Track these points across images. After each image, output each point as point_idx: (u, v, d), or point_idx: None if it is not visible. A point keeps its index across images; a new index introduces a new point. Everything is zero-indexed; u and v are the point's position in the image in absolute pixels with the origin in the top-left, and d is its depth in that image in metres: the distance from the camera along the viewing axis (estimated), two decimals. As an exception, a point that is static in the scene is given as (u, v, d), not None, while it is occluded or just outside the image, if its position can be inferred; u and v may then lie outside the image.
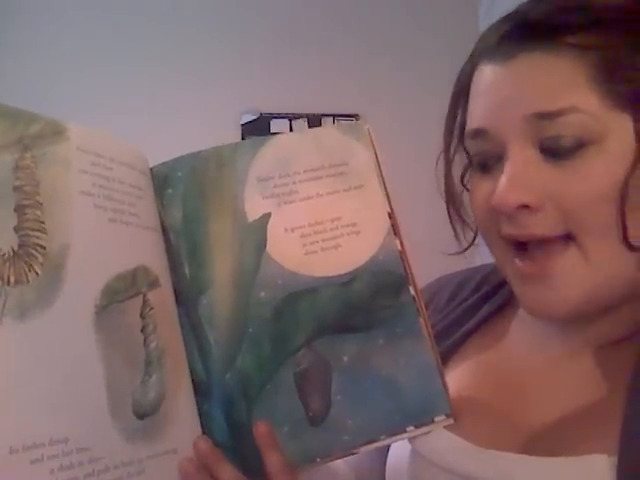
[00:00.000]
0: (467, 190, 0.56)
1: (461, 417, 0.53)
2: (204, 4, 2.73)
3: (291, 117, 2.71)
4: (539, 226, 0.47)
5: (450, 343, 0.60)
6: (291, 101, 2.69)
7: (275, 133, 0.55)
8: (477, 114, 0.50)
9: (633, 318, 0.50)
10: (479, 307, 0.62)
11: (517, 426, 0.51)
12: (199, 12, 2.72)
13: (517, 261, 0.49)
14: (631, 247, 0.46)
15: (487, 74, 0.50)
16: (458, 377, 0.57)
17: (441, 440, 0.53)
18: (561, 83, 0.46)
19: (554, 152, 0.46)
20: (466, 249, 0.59)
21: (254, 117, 2.72)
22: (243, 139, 2.69)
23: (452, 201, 0.58)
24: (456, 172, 0.58)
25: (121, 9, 2.72)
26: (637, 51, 0.45)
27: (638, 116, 0.45)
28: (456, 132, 0.56)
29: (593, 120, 0.45)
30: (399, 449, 0.58)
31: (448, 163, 0.57)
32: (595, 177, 0.45)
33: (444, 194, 0.58)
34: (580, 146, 0.45)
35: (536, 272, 0.48)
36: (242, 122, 2.72)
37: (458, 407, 0.53)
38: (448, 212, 0.59)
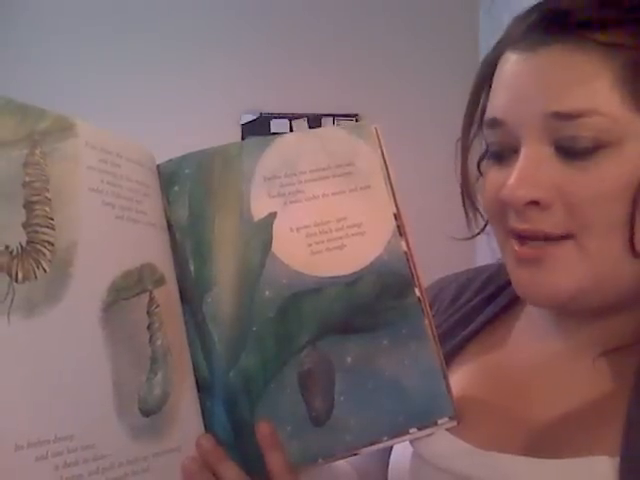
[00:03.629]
0: (482, 176, 0.56)
1: (463, 418, 0.52)
2: (204, 4, 2.73)
3: (291, 117, 2.71)
4: (545, 223, 0.47)
5: (454, 344, 0.60)
6: (291, 101, 2.70)
7: (275, 133, 0.55)
8: (497, 104, 0.50)
9: (637, 325, 0.50)
10: (483, 308, 0.62)
11: (519, 427, 0.51)
12: (199, 12, 2.73)
13: (516, 246, 0.49)
14: (635, 253, 0.45)
15: (511, 64, 0.49)
16: (461, 378, 0.57)
17: (442, 442, 0.52)
18: (584, 83, 0.45)
19: (569, 152, 0.46)
20: (476, 235, 0.59)
21: (254, 117, 2.72)
22: (243, 139, 2.70)
23: (466, 187, 0.57)
24: (471, 160, 0.57)
25: (122, 9, 2.72)
26: None
27: None
28: (477, 117, 0.55)
29: (613, 123, 0.44)
30: (401, 451, 0.57)
31: (465, 148, 0.56)
32: (608, 180, 0.45)
33: (460, 178, 0.57)
34: (596, 148, 0.45)
35: (533, 256, 0.48)
36: (242, 122, 2.72)
37: (460, 408, 0.52)
38: (462, 197, 0.58)
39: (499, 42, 0.52)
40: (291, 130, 2.68)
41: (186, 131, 2.52)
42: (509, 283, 0.60)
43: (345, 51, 2.70)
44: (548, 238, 0.47)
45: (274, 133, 2.67)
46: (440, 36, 2.66)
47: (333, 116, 2.70)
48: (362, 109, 2.69)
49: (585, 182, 0.45)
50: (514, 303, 0.60)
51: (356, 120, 2.68)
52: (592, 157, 0.45)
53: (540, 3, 0.49)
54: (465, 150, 0.56)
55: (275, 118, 2.71)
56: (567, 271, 0.47)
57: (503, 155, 0.50)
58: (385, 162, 0.55)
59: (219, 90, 2.72)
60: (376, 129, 0.55)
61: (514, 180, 0.47)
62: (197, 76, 2.72)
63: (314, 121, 2.70)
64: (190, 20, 2.73)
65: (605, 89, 0.44)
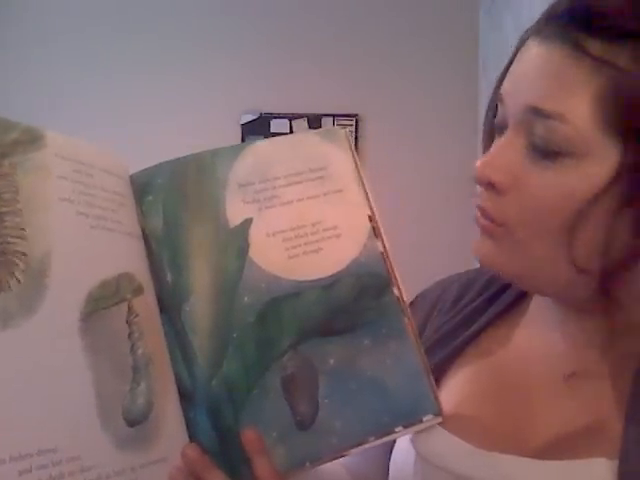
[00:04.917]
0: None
1: (464, 420, 0.53)
2: (205, 5, 2.73)
3: (291, 117, 2.71)
4: (494, 207, 0.49)
5: (455, 345, 0.60)
6: (291, 101, 2.69)
7: (275, 133, 0.55)
8: (504, 83, 0.51)
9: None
10: (485, 309, 0.61)
11: (519, 429, 0.51)
12: (200, 13, 2.73)
13: (478, 214, 0.51)
14: (576, 266, 0.46)
15: (525, 48, 0.49)
16: (462, 379, 0.57)
17: (445, 443, 0.53)
18: (566, 87, 0.45)
19: (537, 150, 0.46)
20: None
21: (254, 117, 2.72)
22: (243, 139, 2.70)
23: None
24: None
25: (122, 10, 2.72)
26: None
27: (628, 152, 0.44)
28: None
29: (577, 136, 0.44)
30: (403, 453, 0.57)
31: (491, 107, 0.55)
32: (564, 187, 0.45)
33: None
34: (559, 154, 0.45)
35: (484, 227, 0.50)
36: (242, 122, 2.72)
37: (461, 410, 0.53)
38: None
39: (535, 22, 0.51)
40: (291, 130, 2.68)
41: (186, 131, 2.53)
42: (511, 284, 0.60)
43: (345, 51, 2.70)
44: (495, 221, 0.49)
45: (274, 133, 2.69)
46: (440, 36, 2.65)
47: (333, 116, 2.70)
48: (362, 109, 2.68)
49: (540, 182, 0.46)
50: (519, 301, 0.60)
51: (356, 120, 2.68)
52: (555, 162, 0.46)
53: None
54: (491, 108, 0.55)
55: (275, 118, 2.71)
56: (503, 252, 0.50)
57: (500, 130, 0.51)
58: (357, 165, 0.55)
59: (219, 90, 2.72)
60: (346, 133, 0.56)
61: (482, 160, 0.49)
62: (197, 76, 2.72)
63: (314, 121, 2.69)
64: (190, 21, 2.73)
65: (581, 101, 0.44)
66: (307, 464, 0.50)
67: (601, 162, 0.44)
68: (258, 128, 2.70)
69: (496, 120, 0.52)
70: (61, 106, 2.56)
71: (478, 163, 0.49)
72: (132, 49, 2.73)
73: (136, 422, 0.46)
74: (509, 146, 0.48)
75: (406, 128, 2.63)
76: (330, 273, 0.52)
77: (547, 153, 0.46)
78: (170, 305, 0.51)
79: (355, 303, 0.52)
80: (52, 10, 2.74)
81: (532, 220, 0.47)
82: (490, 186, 0.49)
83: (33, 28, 2.74)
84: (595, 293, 0.47)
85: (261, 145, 0.55)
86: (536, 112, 0.46)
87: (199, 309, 0.51)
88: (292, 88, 2.70)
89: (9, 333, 0.41)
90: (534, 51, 0.47)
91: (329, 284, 0.52)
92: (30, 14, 2.74)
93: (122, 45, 2.73)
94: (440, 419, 0.52)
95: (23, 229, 0.43)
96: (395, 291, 0.53)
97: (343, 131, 0.56)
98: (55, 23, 2.74)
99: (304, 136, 0.56)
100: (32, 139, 0.46)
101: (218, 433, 0.50)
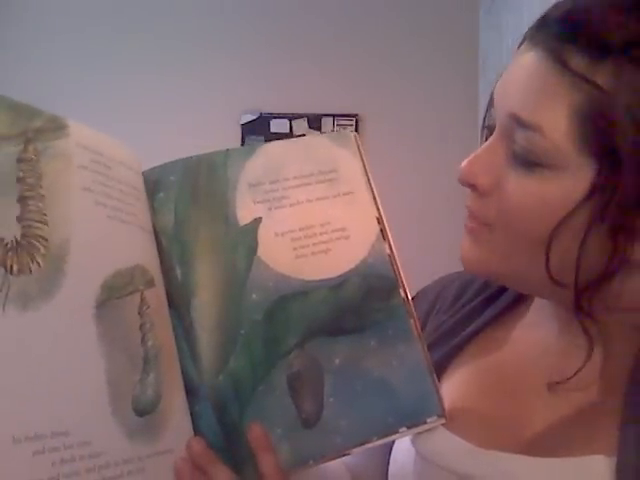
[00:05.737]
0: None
1: (463, 419, 0.53)
2: (205, 5, 2.73)
3: (291, 117, 2.71)
4: (478, 208, 0.50)
5: (454, 344, 0.60)
6: (291, 101, 2.70)
7: (275, 133, 0.56)
8: (499, 81, 0.50)
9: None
10: (483, 309, 0.62)
11: (518, 427, 0.51)
12: (200, 13, 2.73)
13: (467, 217, 0.52)
14: (550, 278, 0.46)
15: (520, 49, 0.49)
16: (460, 378, 0.57)
17: (445, 442, 0.53)
18: (545, 99, 0.45)
19: (517, 157, 0.46)
20: None
21: (254, 117, 2.72)
22: (243, 139, 2.70)
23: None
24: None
25: (122, 10, 2.72)
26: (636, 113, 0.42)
27: (602, 171, 0.43)
28: None
29: (554, 149, 0.44)
30: (404, 453, 0.58)
31: (489, 108, 0.55)
32: (542, 198, 0.45)
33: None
34: (537, 164, 0.45)
35: (470, 229, 0.51)
36: (242, 122, 2.72)
37: (460, 409, 0.53)
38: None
39: (531, 25, 0.51)
40: (291, 130, 2.69)
41: (186, 131, 2.54)
42: None
43: (345, 51, 2.70)
44: (479, 220, 0.50)
45: (274, 133, 2.69)
46: (440, 36, 2.66)
47: (333, 116, 2.70)
48: (362, 109, 2.69)
49: (519, 189, 0.46)
50: (519, 302, 0.60)
51: (356, 120, 2.69)
52: (534, 171, 0.45)
53: (564, 2, 0.47)
54: (489, 107, 0.55)
55: (275, 118, 2.72)
56: (483, 252, 0.50)
57: (491, 130, 0.51)
58: (366, 168, 0.56)
59: (219, 90, 2.72)
60: (355, 137, 0.57)
61: (467, 161, 0.50)
62: (197, 76, 2.72)
63: (314, 121, 2.70)
64: (190, 20, 2.73)
65: (560, 115, 0.44)
66: (310, 462, 0.50)
67: (577, 177, 0.44)
68: (258, 128, 2.71)
69: (489, 121, 0.52)
70: (61, 106, 2.55)
71: (462, 164, 0.50)
72: (132, 49, 2.74)
73: (145, 412, 0.47)
74: (493, 150, 0.48)
75: (406, 128, 2.64)
76: (338, 273, 0.53)
77: (527, 162, 0.46)
78: (179, 300, 0.52)
79: (362, 304, 0.53)
80: (52, 10, 2.75)
81: (510, 225, 0.47)
82: (472, 187, 0.49)
83: (33, 28, 2.75)
84: (572, 305, 0.47)
85: (273, 146, 0.56)
86: (517, 121, 0.46)
87: (207, 305, 0.51)
88: (292, 88, 2.71)
89: (29, 315, 0.41)
90: (524, 56, 0.47)
91: (337, 284, 0.53)
92: (30, 14, 2.74)
93: (122, 45, 2.73)
94: (443, 420, 0.52)
95: (45, 214, 0.44)
96: (402, 293, 0.54)
97: (353, 134, 0.57)
98: (55, 23, 2.75)
99: (315, 139, 0.57)
100: (56, 127, 0.47)
101: (223, 428, 0.50)
